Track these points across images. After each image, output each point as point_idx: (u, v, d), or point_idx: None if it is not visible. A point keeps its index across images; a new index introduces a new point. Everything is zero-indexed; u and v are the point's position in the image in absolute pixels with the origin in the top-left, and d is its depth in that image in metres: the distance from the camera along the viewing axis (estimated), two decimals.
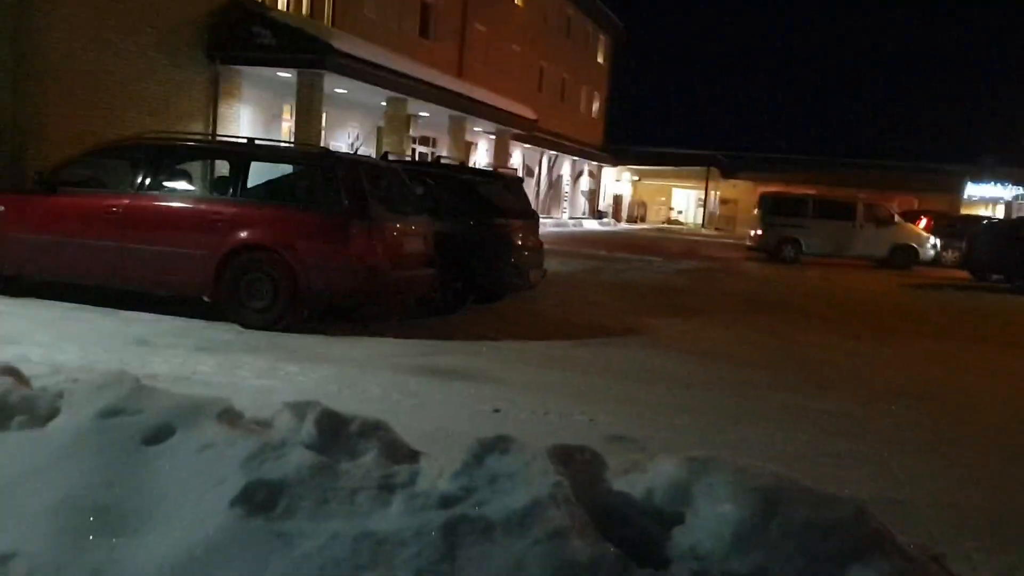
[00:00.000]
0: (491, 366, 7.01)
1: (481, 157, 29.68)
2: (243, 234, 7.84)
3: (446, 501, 2.46)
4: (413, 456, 2.81)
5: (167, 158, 8.60)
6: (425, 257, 8.72)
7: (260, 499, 2.43)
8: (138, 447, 2.72)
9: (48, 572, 2.25)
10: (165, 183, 8.38)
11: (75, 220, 8.25)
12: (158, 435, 2.76)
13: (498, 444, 2.71)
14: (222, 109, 17.17)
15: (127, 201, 8.15)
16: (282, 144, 10.63)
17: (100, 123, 14.15)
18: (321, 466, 2.56)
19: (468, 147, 28.35)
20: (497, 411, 5.49)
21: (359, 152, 14.59)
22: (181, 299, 8.31)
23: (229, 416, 2.91)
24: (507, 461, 2.63)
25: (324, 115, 18.57)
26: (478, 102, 23.91)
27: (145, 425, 2.77)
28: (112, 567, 2.30)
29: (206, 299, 8.04)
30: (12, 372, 3.25)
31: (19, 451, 2.67)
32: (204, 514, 2.43)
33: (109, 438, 2.71)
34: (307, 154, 9.88)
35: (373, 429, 2.85)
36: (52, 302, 8.11)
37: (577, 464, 2.76)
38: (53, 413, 2.91)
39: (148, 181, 8.22)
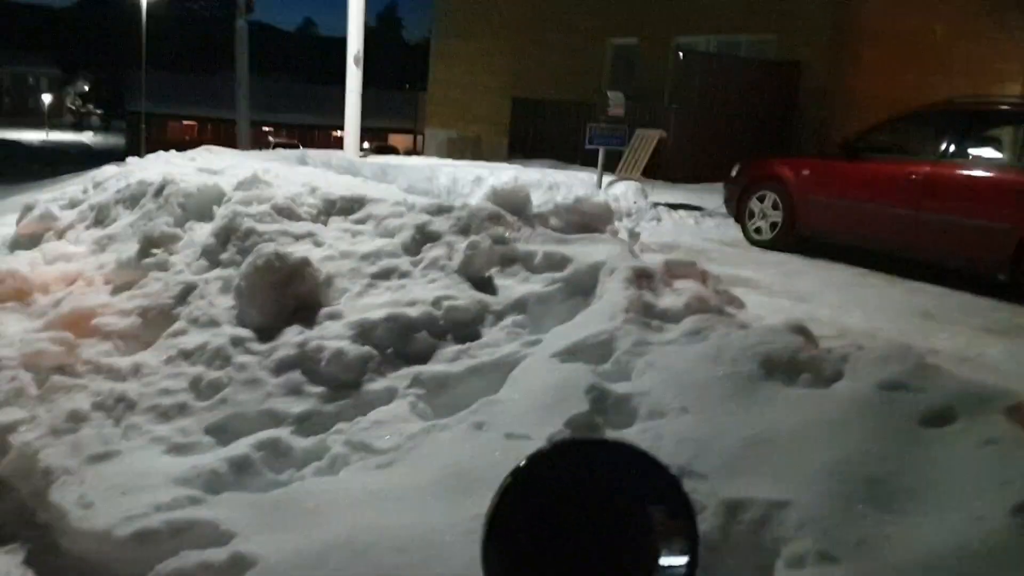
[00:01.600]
0: None
1: None
2: None
3: None
4: None
5: (976, 123, 8.13)
6: None
7: None
8: (914, 426, 2.64)
9: (818, 528, 2.33)
10: (970, 150, 7.95)
11: (872, 186, 8.39)
12: (938, 418, 2.64)
13: None
14: None
15: (927, 168, 7.96)
16: None
17: (907, 88, 14.09)
18: None
19: None
20: None
21: None
22: (971, 275, 7.85)
23: (1020, 412, 2.64)
24: None
25: None
26: None
27: (925, 405, 2.68)
28: (878, 540, 2.29)
29: (1001, 277, 7.44)
30: (802, 331, 3.46)
31: (802, 407, 2.83)
32: (980, 513, 2.25)
33: (888, 411, 2.69)
34: None
35: None
36: (842, 265, 8.43)
37: None
38: (836, 376, 3.00)
39: (952, 148, 7.90)
